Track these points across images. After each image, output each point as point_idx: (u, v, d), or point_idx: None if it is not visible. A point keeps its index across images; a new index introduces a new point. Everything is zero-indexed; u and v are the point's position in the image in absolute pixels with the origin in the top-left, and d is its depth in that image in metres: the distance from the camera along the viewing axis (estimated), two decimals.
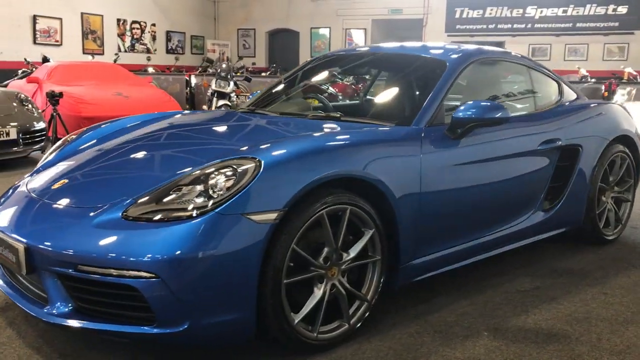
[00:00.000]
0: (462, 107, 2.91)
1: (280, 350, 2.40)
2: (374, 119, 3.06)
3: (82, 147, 3.12)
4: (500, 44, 16.26)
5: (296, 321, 2.30)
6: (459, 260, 3.08)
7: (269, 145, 2.44)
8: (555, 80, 4.02)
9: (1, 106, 6.66)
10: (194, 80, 11.47)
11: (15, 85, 9.63)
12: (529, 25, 17.37)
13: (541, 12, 17.13)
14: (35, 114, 6.94)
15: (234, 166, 2.24)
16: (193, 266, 2.04)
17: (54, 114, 7.23)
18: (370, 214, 2.51)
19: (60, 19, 14.70)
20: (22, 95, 7.13)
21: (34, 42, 14.06)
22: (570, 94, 4.06)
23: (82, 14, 15.39)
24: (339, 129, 2.93)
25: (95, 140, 3.17)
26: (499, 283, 3.25)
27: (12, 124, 6.51)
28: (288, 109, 3.59)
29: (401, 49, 3.74)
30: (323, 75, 4.05)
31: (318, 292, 2.39)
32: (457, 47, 3.53)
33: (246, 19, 20.66)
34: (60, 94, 7.28)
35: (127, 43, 17.03)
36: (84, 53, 15.21)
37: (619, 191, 4.19)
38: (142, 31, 17.53)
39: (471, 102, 2.95)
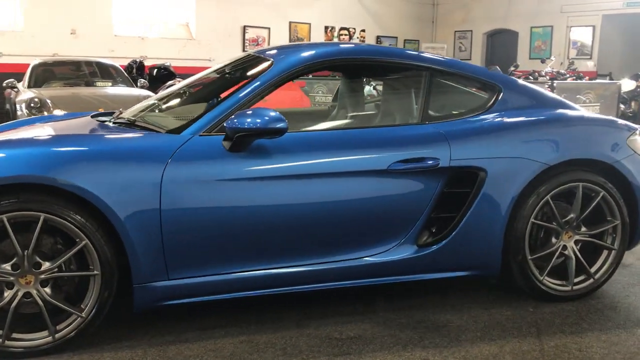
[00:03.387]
0: (235, 115, 2.63)
1: None
2: (153, 125, 2.92)
3: None
4: None
5: None
6: (249, 288, 2.77)
7: None
8: (490, 85, 3.25)
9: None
10: None
11: None
12: None
13: None
14: None
15: None
16: None
17: None
18: (80, 226, 2.46)
19: (269, 28, 16.19)
20: None
21: (243, 50, 15.77)
22: (520, 102, 3.25)
23: (290, 22, 16.71)
24: (87, 132, 2.88)
25: None
26: (319, 325, 2.83)
27: None
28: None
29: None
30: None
31: (4, 298, 2.45)
32: (314, 45, 3.12)
33: (464, 20, 19.99)
34: None
35: None
36: None
37: (590, 234, 3.21)
38: (351, 37, 18.26)
39: (250, 110, 2.64)
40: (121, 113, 3.28)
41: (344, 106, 3.52)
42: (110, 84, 8.87)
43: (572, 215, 3.18)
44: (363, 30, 18.54)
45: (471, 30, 19.82)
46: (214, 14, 15.03)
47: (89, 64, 9.36)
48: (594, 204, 3.19)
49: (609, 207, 3.23)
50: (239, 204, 2.65)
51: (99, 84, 8.79)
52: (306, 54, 3.00)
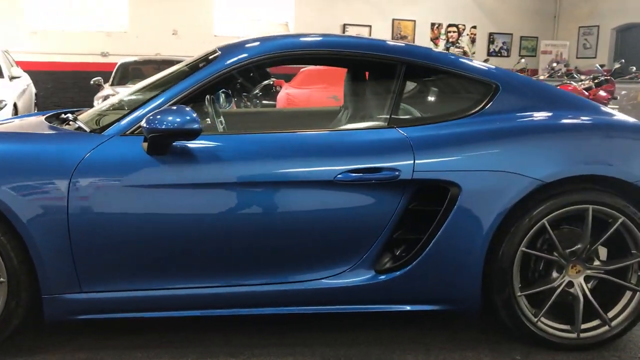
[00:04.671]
0: (152, 114, 2.35)
1: None
2: (87, 124, 2.69)
3: None
4: None
5: None
6: (173, 308, 2.49)
7: None
8: (485, 83, 2.72)
9: None
10: None
11: None
12: None
13: None
14: None
15: None
16: None
17: None
18: None
19: (370, 26, 15.79)
20: None
21: None
22: (522, 103, 2.70)
23: (393, 20, 16.19)
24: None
25: None
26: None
27: None
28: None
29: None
30: None
31: None
32: (264, 37, 2.76)
33: (591, 13, 18.23)
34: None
35: (441, 47, 17.13)
36: None
37: (607, 269, 2.59)
38: (460, 34, 17.35)
39: (166, 109, 2.35)
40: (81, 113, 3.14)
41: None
42: None
43: (579, 246, 2.56)
44: (474, 27, 17.52)
45: (598, 26, 18.00)
46: (314, 13, 14.92)
47: (171, 62, 9.58)
48: (609, 233, 2.54)
49: (633, 238, 2.57)
50: (156, 213, 2.38)
51: None
52: (253, 47, 2.66)
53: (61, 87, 12.58)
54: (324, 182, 2.42)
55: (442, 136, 2.53)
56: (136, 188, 2.36)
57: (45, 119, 2.95)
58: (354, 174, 2.42)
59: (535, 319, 2.55)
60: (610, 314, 2.61)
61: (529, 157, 2.49)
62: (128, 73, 9.09)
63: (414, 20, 16.49)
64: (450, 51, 17.27)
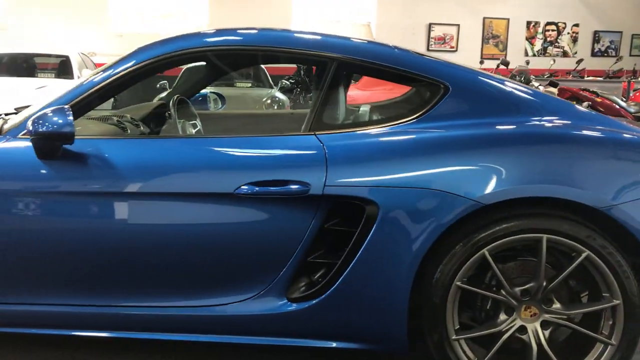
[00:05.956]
0: (37, 115, 2.18)
1: None
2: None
3: None
4: None
5: None
6: (60, 326, 2.31)
7: None
8: (433, 84, 2.31)
9: None
10: None
11: None
12: None
13: None
14: None
15: None
16: None
17: None
18: None
19: (458, 25, 15.05)
20: None
21: (427, 49, 14.89)
22: (477, 107, 2.27)
23: (484, 18, 15.33)
24: None
25: None
26: None
27: None
28: None
29: None
30: None
31: None
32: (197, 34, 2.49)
33: None
34: None
35: (537, 46, 16.00)
36: (481, 58, 15.17)
37: (567, 314, 2.13)
38: (559, 33, 16.10)
39: (50, 109, 2.15)
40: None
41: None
42: (249, 84, 8.96)
43: (532, 284, 2.09)
44: (576, 25, 16.17)
45: None
46: (398, 12, 14.44)
47: None
48: (569, 270, 2.05)
49: (603, 277, 2.05)
50: (35, 222, 2.21)
51: (238, 84, 8.93)
52: (169, 43, 2.42)
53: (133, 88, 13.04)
54: (224, 194, 2.13)
55: (365, 145, 2.16)
56: (20, 193, 2.21)
57: None
58: (257, 187, 2.12)
59: None
60: None
61: (465, 173, 2.06)
62: (192, 77, 9.20)
63: (508, 19, 15.52)
64: (547, 51, 16.10)
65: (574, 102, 2.56)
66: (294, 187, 2.10)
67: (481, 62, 13.93)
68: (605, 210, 2.01)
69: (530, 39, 15.98)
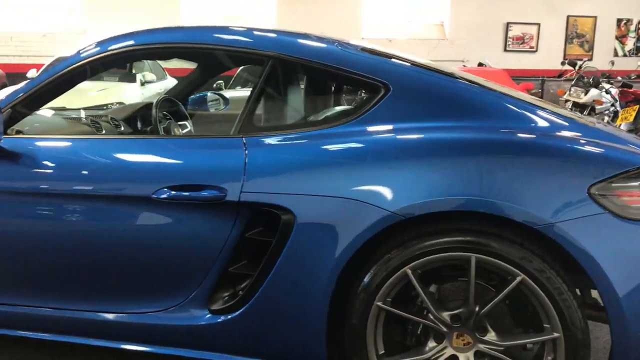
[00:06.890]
0: None
1: None
2: None
3: None
4: None
5: None
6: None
7: None
8: (373, 84, 2.11)
9: None
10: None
11: None
12: None
13: None
14: None
15: None
16: None
17: None
18: None
19: (538, 24, 14.25)
20: None
21: (504, 50, 14.23)
22: (419, 109, 2.07)
23: (568, 16, 14.43)
24: None
25: None
26: None
27: None
28: None
29: None
30: None
31: None
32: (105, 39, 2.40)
33: None
34: None
35: (628, 46, 14.87)
36: (564, 59, 14.30)
37: (506, 345, 1.89)
38: None
39: None
40: None
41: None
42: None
43: (462, 309, 1.85)
44: None
45: None
46: (473, 11, 13.88)
47: None
48: (501, 296, 1.80)
49: (542, 305, 1.79)
50: None
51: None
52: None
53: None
54: (141, 198, 2.06)
55: (286, 150, 2.00)
56: None
57: None
58: (174, 192, 2.02)
59: None
60: None
61: (385, 182, 1.85)
62: (242, 77, 9.30)
63: (595, 17, 14.53)
64: None
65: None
66: (210, 192, 1.99)
67: (562, 64, 13.13)
68: (543, 229, 1.74)
69: (621, 38, 14.89)
